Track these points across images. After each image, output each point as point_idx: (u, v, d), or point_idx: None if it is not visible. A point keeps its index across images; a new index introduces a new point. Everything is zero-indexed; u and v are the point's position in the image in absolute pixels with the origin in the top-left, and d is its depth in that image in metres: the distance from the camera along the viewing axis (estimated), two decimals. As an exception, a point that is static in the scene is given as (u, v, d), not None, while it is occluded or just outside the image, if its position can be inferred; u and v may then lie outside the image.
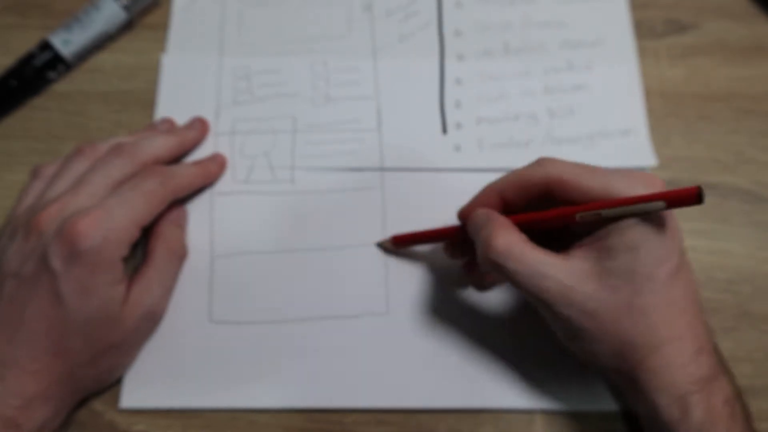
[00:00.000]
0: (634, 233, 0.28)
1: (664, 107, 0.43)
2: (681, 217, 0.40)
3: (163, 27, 0.45)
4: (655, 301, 0.28)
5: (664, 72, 0.44)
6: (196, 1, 0.46)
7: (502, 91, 0.43)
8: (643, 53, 0.44)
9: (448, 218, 0.36)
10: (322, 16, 0.45)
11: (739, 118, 0.43)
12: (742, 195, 0.41)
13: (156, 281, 0.35)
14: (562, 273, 0.29)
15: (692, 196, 0.25)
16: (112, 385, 0.36)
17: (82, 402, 0.35)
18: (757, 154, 0.42)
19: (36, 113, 0.43)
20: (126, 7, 0.44)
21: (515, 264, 0.29)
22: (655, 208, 0.27)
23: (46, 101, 0.43)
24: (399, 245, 0.38)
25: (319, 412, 0.36)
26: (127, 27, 0.45)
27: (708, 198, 0.41)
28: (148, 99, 0.43)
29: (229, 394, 0.36)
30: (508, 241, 0.29)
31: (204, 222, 0.39)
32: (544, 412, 0.36)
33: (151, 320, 0.36)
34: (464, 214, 0.34)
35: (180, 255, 0.37)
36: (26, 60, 0.42)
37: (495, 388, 0.36)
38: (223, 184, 0.40)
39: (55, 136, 0.42)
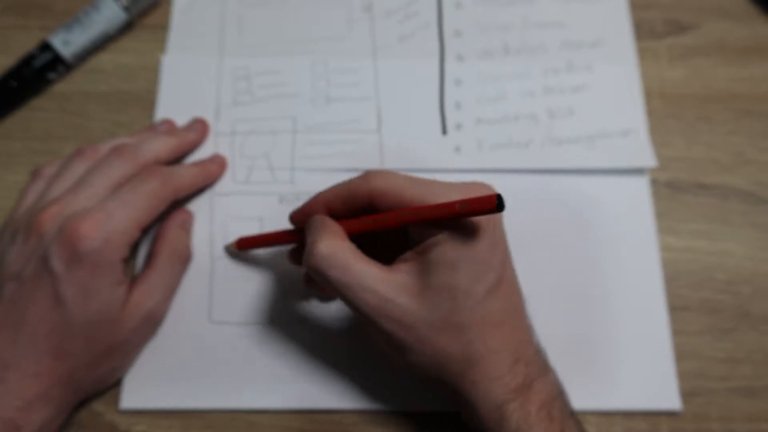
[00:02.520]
0: (453, 249, 0.28)
1: (664, 108, 0.43)
2: (680, 218, 0.40)
3: (163, 28, 0.45)
4: (472, 317, 0.29)
5: (664, 72, 0.44)
6: (196, 2, 0.45)
7: (502, 91, 0.43)
8: (643, 53, 0.44)
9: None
10: (322, 16, 0.45)
11: (739, 118, 0.43)
12: (742, 196, 0.41)
13: (158, 284, 0.35)
14: (382, 285, 0.29)
15: (492, 204, 0.25)
16: (112, 386, 0.36)
17: (83, 403, 0.35)
18: (757, 155, 0.42)
19: (36, 113, 0.43)
20: (126, 8, 0.44)
21: (335, 272, 0.29)
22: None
23: (46, 101, 0.43)
24: (244, 247, 0.37)
25: (319, 413, 0.36)
26: (127, 27, 0.45)
27: (708, 198, 0.41)
28: (148, 99, 0.43)
29: (229, 395, 0.36)
30: (332, 248, 0.29)
31: (204, 223, 0.39)
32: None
33: (152, 323, 0.36)
34: (294, 219, 0.34)
35: (184, 259, 0.37)
36: (26, 61, 0.42)
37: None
38: (223, 185, 0.40)
39: (55, 136, 0.42)
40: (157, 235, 0.37)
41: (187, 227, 0.38)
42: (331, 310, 0.37)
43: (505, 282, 0.30)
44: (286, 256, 0.37)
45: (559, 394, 0.31)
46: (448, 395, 0.31)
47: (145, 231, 0.35)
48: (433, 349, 0.29)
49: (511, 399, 0.29)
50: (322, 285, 0.31)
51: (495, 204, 0.25)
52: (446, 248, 0.28)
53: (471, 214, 0.27)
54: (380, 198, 0.30)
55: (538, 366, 0.31)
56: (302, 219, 0.33)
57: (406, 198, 0.29)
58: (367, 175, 0.31)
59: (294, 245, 0.36)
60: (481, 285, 0.29)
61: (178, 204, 0.38)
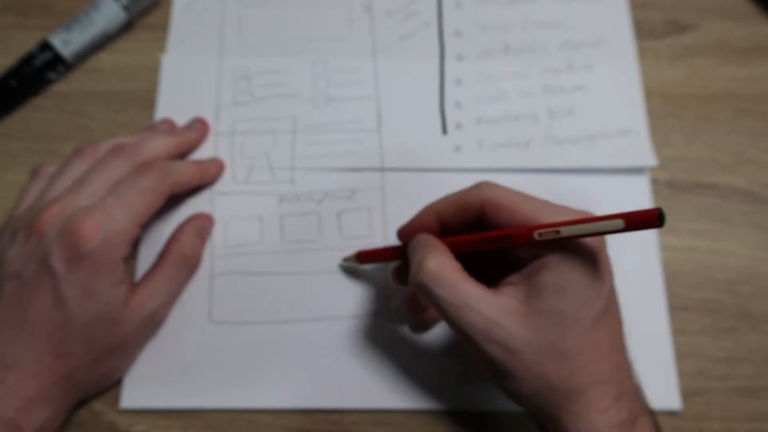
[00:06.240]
0: (562, 273, 0.28)
1: (664, 107, 0.43)
2: (680, 218, 0.40)
3: (163, 27, 0.45)
4: (579, 344, 0.28)
5: (664, 72, 0.44)
6: (196, 2, 0.45)
7: (502, 91, 0.43)
8: (643, 53, 0.44)
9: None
10: (322, 16, 0.45)
11: (739, 118, 0.43)
12: (742, 195, 0.41)
13: (163, 287, 0.35)
14: (489, 308, 0.28)
15: (652, 218, 0.24)
16: (112, 386, 0.36)
17: (82, 402, 0.35)
18: (757, 155, 0.42)
19: (36, 113, 0.43)
20: (126, 8, 0.44)
21: (443, 290, 0.28)
22: (614, 228, 0.26)
23: (46, 101, 0.43)
24: (363, 261, 0.37)
25: (318, 413, 0.36)
26: (127, 27, 0.45)
27: (708, 198, 0.41)
28: (148, 99, 0.43)
29: (228, 395, 0.36)
30: (440, 266, 0.29)
31: (204, 222, 0.39)
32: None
33: (152, 325, 0.36)
34: (402, 234, 0.33)
35: (191, 265, 0.37)
36: (26, 60, 0.42)
37: (496, 390, 0.36)
38: (223, 185, 0.40)
39: (55, 136, 0.42)
40: (172, 237, 0.37)
41: (203, 234, 0.38)
42: (331, 310, 0.37)
43: (612, 312, 0.29)
44: (391, 275, 0.36)
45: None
46: (543, 426, 0.30)
47: (144, 228, 0.35)
48: (537, 376, 0.28)
49: None
50: (428, 303, 0.30)
51: (656, 218, 0.24)
52: (555, 272, 0.28)
53: (630, 229, 0.25)
54: (493, 209, 0.29)
55: (640, 403, 0.29)
56: (413, 232, 0.32)
57: (520, 212, 0.29)
58: (480, 185, 0.30)
59: (398, 263, 0.36)
60: (589, 312, 0.28)
61: (176, 199, 0.38)
